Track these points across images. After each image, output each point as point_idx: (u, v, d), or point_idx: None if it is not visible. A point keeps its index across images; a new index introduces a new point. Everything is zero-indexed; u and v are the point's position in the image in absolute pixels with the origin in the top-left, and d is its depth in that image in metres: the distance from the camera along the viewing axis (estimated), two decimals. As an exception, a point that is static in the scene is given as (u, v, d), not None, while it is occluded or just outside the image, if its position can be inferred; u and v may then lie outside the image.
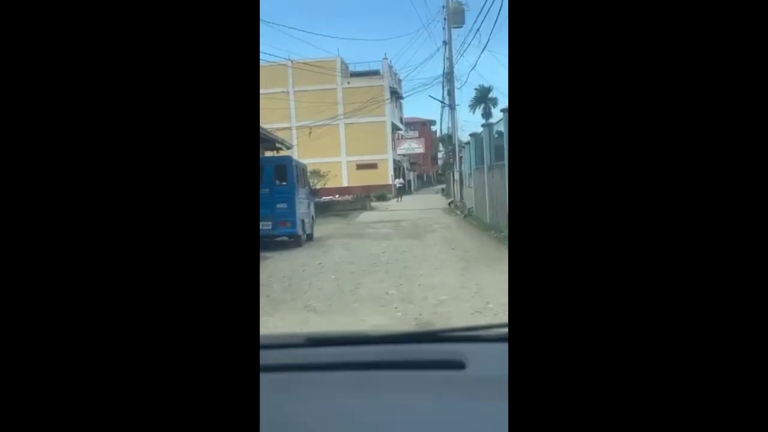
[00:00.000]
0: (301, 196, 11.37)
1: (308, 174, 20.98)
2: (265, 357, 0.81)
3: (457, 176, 21.17)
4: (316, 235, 12.87)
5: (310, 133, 31.38)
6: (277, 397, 0.86)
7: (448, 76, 20.47)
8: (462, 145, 20.08)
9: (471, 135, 16.57)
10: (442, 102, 21.49)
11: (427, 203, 26.04)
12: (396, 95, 42.27)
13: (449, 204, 24.20)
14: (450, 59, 20.41)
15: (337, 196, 26.77)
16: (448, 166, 30.17)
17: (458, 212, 18.63)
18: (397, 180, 31.81)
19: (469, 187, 18.29)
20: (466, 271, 7.17)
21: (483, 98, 41.49)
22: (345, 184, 36.79)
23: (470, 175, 17.93)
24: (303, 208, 11.48)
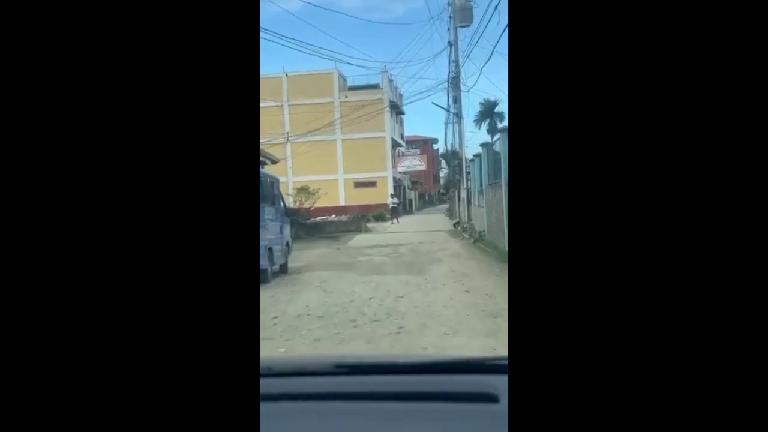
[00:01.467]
0: (268, 217, 8.81)
1: (291, 191, 19.30)
2: (294, 384, 0.89)
3: (463, 194, 18.59)
4: (294, 264, 10.36)
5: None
6: (305, 426, 0.88)
7: (454, 82, 18.05)
8: (470, 160, 17.63)
9: (482, 145, 14.12)
10: (446, 110, 19.08)
11: (429, 224, 23.50)
12: (396, 110, 40.16)
13: (454, 225, 21.68)
14: (456, 62, 17.99)
15: (333, 216, 24.46)
16: (453, 184, 27.80)
17: (466, 235, 16.06)
18: (391, 199, 27.96)
19: (478, 206, 15.77)
20: (498, 335, 4.47)
21: (489, 112, 39.19)
22: (342, 203, 35.00)
23: (480, 192, 15.44)
24: (271, 232, 8.93)
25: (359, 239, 17.83)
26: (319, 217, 22.90)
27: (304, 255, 12.15)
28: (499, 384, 0.96)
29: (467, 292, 6.85)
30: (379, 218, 26.37)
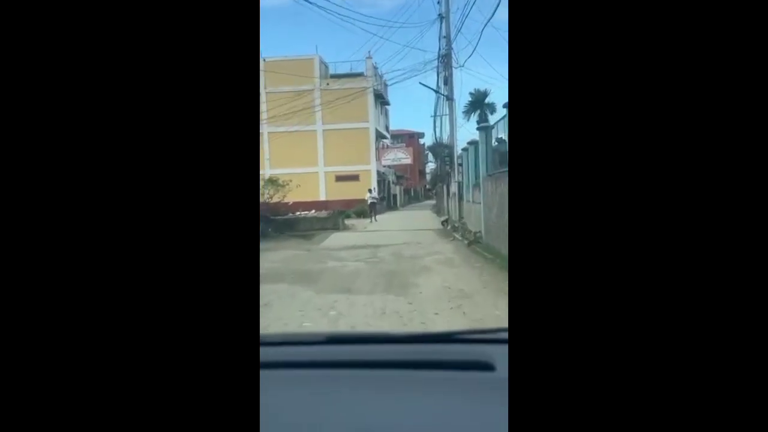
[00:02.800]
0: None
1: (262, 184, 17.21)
2: (288, 353, 0.88)
3: (453, 188, 16.37)
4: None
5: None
6: (301, 393, 0.89)
7: (445, 60, 15.79)
8: (462, 149, 15.44)
9: (480, 129, 11.91)
10: (436, 91, 16.80)
11: (415, 222, 21.29)
12: (381, 100, 37.95)
13: (443, 224, 19.50)
14: (447, 37, 15.71)
15: (313, 211, 22.19)
16: (441, 178, 25.56)
17: (457, 236, 13.87)
18: (369, 194, 24.15)
19: (473, 202, 13.59)
20: None
21: (479, 103, 36.99)
22: (323, 197, 32.82)
23: (476, 185, 13.27)
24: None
25: (335, 239, 15.60)
26: (299, 213, 20.80)
27: (266, 258, 9.91)
28: (495, 353, 0.97)
29: (473, 321, 4.65)
30: (361, 214, 24.02)
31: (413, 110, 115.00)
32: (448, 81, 15.49)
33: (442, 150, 17.17)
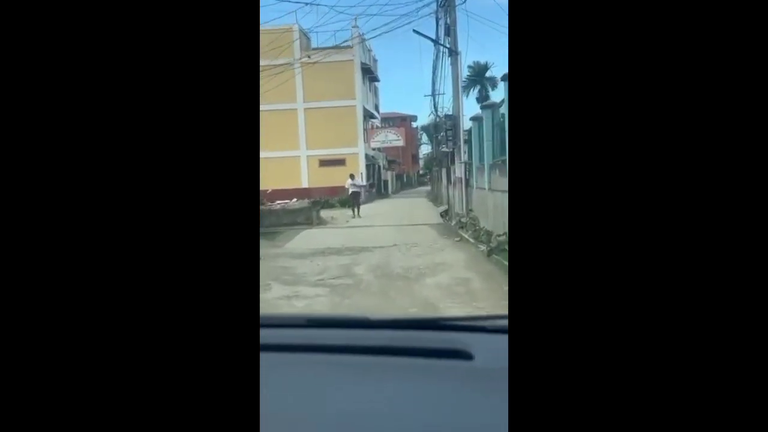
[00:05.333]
0: None
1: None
2: (264, 336, 0.83)
3: (458, 171, 12.65)
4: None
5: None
6: (276, 377, 0.86)
7: (445, 2, 12.03)
8: (473, 119, 11.75)
9: (483, 108, 8.25)
10: (435, 42, 13.03)
11: (409, 213, 17.64)
12: (370, 75, 34.10)
13: (443, 215, 15.86)
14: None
15: (295, 200, 18.49)
16: (439, 160, 21.70)
17: (466, 235, 10.24)
18: (350, 181, 18.18)
19: (489, 189, 9.98)
20: None
21: (479, 77, 33.18)
22: (305, 184, 29.17)
23: (492, 168, 9.69)
24: None
25: (305, 238, 12.01)
26: (278, 202, 17.19)
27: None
28: (473, 342, 0.96)
29: None
30: (344, 204, 20.27)
31: (405, 93, 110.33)
32: (450, 30, 11.82)
33: (443, 124, 13.23)
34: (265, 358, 0.72)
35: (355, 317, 1.30)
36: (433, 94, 16.02)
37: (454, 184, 13.52)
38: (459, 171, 12.22)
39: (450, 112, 13.38)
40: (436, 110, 16.18)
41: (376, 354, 0.97)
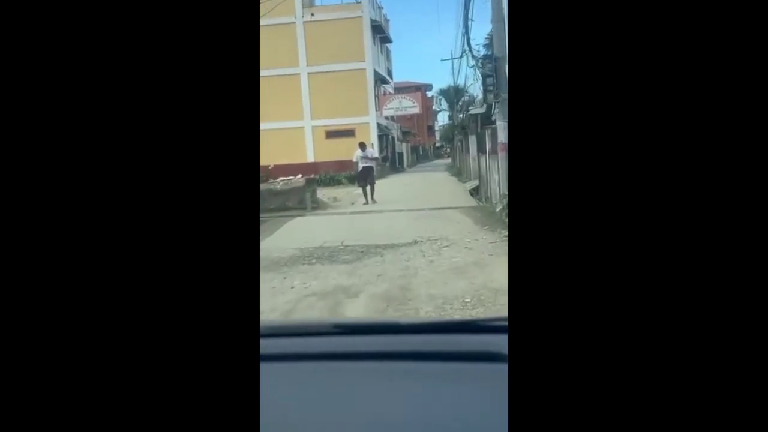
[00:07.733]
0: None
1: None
2: (290, 345, 0.82)
3: (500, 135, 9.27)
4: None
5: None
6: (307, 387, 0.87)
7: None
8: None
9: None
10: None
11: (431, 192, 14.35)
12: (381, 35, 30.48)
13: (472, 193, 12.55)
14: None
15: (300, 176, 15.26)
16: (467, 125, 18.12)
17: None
18: (359, 152, 13.62)
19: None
20: None
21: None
22: (310, 158, 25.89)
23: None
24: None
25: (292, 230, 8.87)
26: (280, 179, 14.06)
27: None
28: (504, 343, 0.97)
29: None
30: (353, 181, 16.87)
31: (419, 62, 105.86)
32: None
33: (485, 69, 9.62)
34: (291, 367, 0.70)
35: (385, 322, 1.35)
36: (466, 26, 12.29)
37: (492, 152, 10.19)
38: (501, 134, 8.91)
39: (492, 44, 9.92)
40: (470, 49, 12.53)
41: (406, 359, 0.97)
